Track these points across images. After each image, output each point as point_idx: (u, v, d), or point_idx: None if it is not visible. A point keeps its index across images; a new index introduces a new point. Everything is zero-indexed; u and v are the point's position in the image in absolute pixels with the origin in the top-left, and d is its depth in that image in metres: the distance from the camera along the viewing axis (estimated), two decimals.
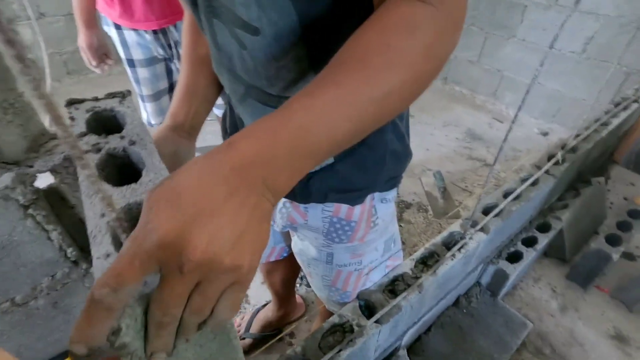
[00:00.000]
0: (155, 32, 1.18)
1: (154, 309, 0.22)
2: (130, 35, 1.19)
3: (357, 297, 0.72)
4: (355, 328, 0.67)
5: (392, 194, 0.63)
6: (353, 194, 0.58)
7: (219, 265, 0.21)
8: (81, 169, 0.22)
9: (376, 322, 0.68)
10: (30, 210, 0.46)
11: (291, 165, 0.26)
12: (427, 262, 0.82)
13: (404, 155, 0.60)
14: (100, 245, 0.29)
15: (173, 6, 1.15)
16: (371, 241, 0.66)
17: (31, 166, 0.45)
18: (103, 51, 1.23)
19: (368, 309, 0.71)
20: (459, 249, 0.83)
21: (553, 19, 2.09)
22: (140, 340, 0.23)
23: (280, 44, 0.39)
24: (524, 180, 1.04)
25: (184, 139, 0.59)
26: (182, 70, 0.59)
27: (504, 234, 1.06)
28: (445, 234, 0.88)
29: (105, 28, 1.23)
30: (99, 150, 0.39)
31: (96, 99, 0.45)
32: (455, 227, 0.89)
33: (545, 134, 2.22)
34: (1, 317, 0.53)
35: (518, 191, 0.97)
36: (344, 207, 0.59)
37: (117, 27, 1.18)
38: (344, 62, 0.29)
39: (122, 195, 0.34)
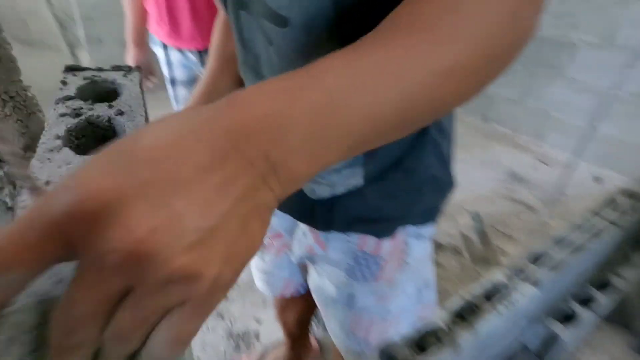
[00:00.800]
0: (199, 52, 1.21)
1: (55, 322, 0.14)
2: (175, 55, 1.24)
3: (379, 351, 0.61)
4: None
5: (429, 230, 0.55)
6: (382, 225, 0.49)
7: (163, 265, 0.13)
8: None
9: None
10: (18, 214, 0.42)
11: (310, 146, 0.17)
12: (465, 315, 0.70)
13: (446, 183, 0.52)
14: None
15: None
16: (400, 284, 0.56)
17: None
18: (148, 69, 1.28)
19: None
20: (503, 303, 0.71)
21: (606, 59, 1.96)
22: None
23: (310, 37, 0.34)
24: (580, 228, 0.90)
25: None
26: (207, 66, 0.57)
27: (555, 290, 0.90)
28: (486, 283, 0.75)
29: (154, 47, 1.28)
30: (77, 115, 0.32)
31: (99, 69, 0.40)
32: (499, 276, 0.77)
33: (598, 179, 2.03)
34: None
35: (577, 240, 0.84)
36: (370, 240, 0.51)
37: (164, 46, 1.23)
38: (397, 23, 0.21)
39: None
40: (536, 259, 0.83)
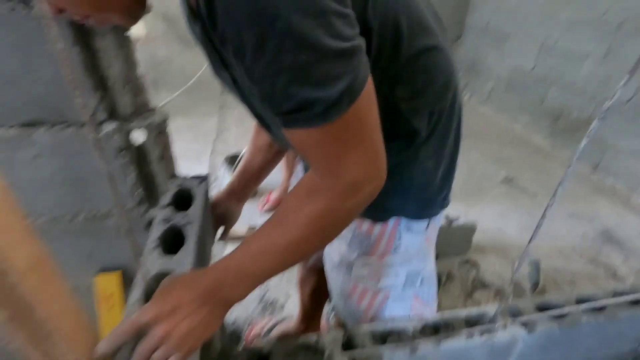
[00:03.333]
0: None
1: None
2: None
3: (347, 327, 0.72)
4: (327, 355, 0.67)
5: (419, 226, 0.65)
6: (376, 213, 0.63)
7: (170, 339, 0.39)
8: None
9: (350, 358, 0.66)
10: (121, 154, 0.67)
11: (238, 286, 0.44)
12: (438, 330, 0.74)
13: (434, 192, 0.63)
14: (134, 291, 0.50)
15: None
16: (390, 265, 0.68)
17: (131, 122, 0.66)
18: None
19: (349, 343, 0.70)
20: (481, 333, 0.73)
21: None
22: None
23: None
24: (618, 295, 0.83)
25: (234, 202, 0.81)
26: (246, 152, 0.80)
27: (565, 351, 0.85)
28: (473, 311, 0.78)
29: None
30: (167, 221, 0.61)
31: (184, 178, 0.71)
32: (490, 309, 0.78)
33: None
34: (88, 226, 0.76)
35: (611, 310, 0.78)
36: (366, 222, 0.64)
37: None
38: (273, 219, 0.45)
39: (163, 261, 0.54)
40: (545, 308, 0.81)
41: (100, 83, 0.60)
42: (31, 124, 0.61)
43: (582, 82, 2.38)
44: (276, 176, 2.03)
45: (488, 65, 3.20)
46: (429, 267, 0.75)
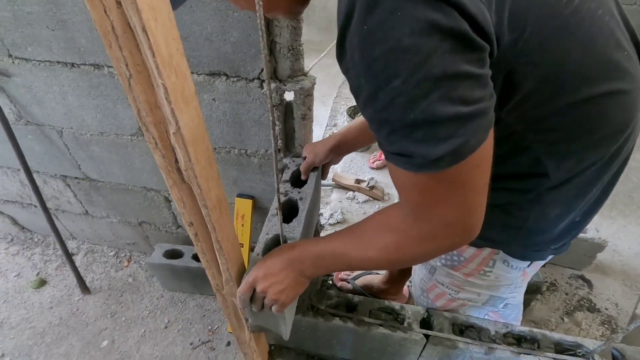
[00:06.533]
0: None
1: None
2: None
3: (428, 310, 0.77)
4: (405, 324, 0.74)
5: (519, 264, 0.61)
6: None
7: (267, 294, 0.52)
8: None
9: (425, 335, 0.73)
10: (274, 109, 0.78)
11: (313, 268, 0.52)
12: (522, 343, 0.74)
13: (549, 240, 0.57)
14: (258, 245, 0.63)
15: None
16: (474, 285, 0.66)
17: (285, 84, 0.75)
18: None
19: (427, 322, 0.76)
20: None
21: None
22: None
23: None
24: None
25: (335, 155, 0.79)
26: (357, 120, 0.78)
27: None
28: (569, 339, 0.74)
29: None
30: (286, 195, 0.72)
31: (304, 158, 0.78)
32: (590, 343, 0.73)
33: None
34: (238, 159, 0.93)
35: None
36: None
37: None
38: (354, 231, 0.50)
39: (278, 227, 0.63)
40: None
41: (270, 48, 0.69)
42: (215, 74, 0.76)
43: None
44: None
45: None
46: (518, 298, 0.71)
